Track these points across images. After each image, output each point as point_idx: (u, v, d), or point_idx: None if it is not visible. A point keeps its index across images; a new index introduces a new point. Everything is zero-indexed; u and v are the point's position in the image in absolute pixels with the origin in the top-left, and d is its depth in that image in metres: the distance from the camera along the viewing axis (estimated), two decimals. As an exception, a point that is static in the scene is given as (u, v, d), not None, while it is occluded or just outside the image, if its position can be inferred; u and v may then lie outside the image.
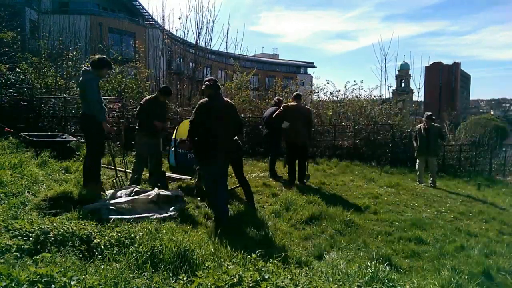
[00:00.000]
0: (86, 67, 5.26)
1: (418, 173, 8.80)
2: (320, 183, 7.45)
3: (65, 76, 12.18)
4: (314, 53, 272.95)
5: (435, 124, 8.87)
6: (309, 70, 60.58)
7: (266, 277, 2.41)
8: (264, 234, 4.15)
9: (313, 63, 64.45)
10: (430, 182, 8.56)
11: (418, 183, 8.59)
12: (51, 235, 2.92)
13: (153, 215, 4.29)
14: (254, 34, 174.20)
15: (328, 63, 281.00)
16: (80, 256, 2.82)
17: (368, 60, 79.10)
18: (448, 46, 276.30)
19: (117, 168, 6.20)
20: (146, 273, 2.63)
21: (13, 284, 1.89)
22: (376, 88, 24.77)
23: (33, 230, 2.94)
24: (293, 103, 7.43)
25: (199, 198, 5.47)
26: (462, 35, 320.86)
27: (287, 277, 2.48)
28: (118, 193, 4.75)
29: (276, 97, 9.00)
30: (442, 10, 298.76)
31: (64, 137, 7.94)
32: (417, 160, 8.79)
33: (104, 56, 5.49)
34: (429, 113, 8.98)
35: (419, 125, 8.96)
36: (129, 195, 4.71)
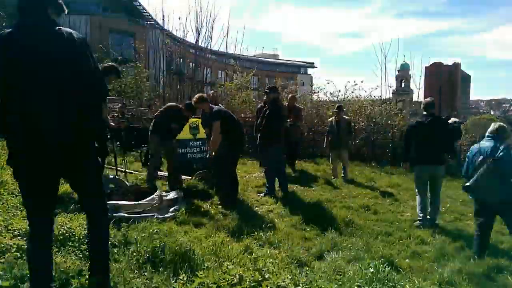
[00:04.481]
0: None
1: None
2: (320, 183, 7.45)
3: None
4: (322, 52, 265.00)
5: None
6: (309, 71, 60.58)
7: (266, 276, 2.42)
8: (264, 234, 4.15)
9: (313, 63, 64.40)
10: None
11: None
12: (51, 235, 2.92)
13: (154, 215, 4.30)
14: (260, 34, 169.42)
15: (335, 62, 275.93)
16: (80, 256, 2.82)
17: (374, 59, 77.95)
18: (456, 46, 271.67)
19: (117, 167, 6.20)
20: (146, 273, 2.63)
21: (15, 284, 1.89)
22: (376, 88, 24.71)
23: (33, 230, 2.94)
24: None
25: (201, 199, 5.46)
26: (473, 34, 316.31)
27: (288, 277, 2.48)
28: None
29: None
30: (456, 7, 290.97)
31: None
32: None
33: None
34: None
35: None
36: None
